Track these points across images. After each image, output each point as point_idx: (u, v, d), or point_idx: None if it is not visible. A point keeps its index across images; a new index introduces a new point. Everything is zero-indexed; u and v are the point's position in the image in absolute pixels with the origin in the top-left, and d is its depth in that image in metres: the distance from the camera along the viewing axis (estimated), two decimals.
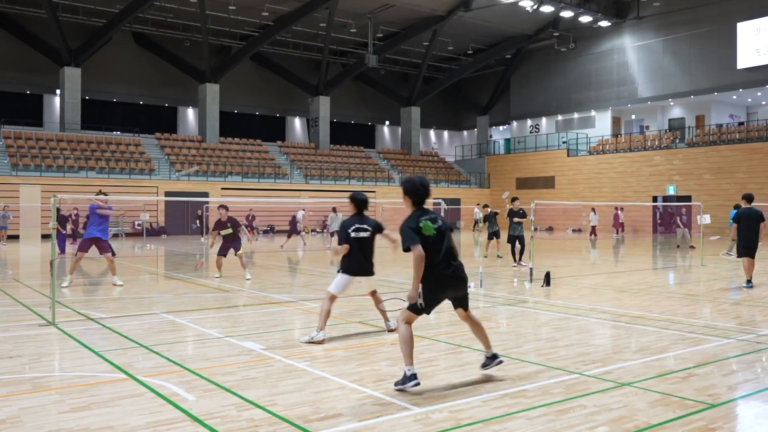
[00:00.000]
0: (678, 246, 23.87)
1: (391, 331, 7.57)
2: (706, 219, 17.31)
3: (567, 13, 40.53)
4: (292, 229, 25.79)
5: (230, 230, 13.46)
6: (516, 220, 16.26)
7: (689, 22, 39.21)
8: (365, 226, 7.25)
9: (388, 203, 40.50)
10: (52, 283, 8.39)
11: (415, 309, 5.30)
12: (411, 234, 5.19)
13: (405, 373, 5.19)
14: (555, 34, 44.62)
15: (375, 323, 8.33)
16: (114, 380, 5.55)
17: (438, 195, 43.53)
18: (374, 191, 41.79)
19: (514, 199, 16.64)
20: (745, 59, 36.64)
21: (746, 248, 11.92)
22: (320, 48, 43.52)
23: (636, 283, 13.12)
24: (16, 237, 29.95)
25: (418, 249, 5.12)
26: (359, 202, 7.26)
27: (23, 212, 30.88)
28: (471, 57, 49.73)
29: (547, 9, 39.11)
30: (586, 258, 20.37)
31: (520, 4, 38.13)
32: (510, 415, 4.62)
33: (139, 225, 33.45)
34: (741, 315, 9.05)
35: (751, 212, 12.00)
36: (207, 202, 32.62)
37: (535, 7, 38.38)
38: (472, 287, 11.62)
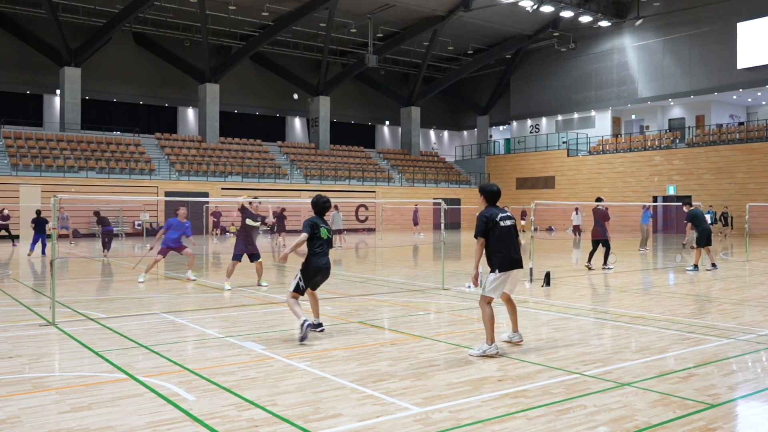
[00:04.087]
0: (640, 249, 22.33)
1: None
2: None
3: (567, 13, 40.51)
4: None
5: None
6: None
7: (689, 22, 39.20)
8: (509, 214, 6.67)
9: (388, 203, 40.58)
10: (52, 283, 8.39)
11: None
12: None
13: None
14: (555, 34, 44.59)
15: (375, 323, 8.32)
16: (114, 380, 5.55)
17: (438, 195, 43.42)
18: (374, 191, 41.77)
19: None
20: (745, 59, 36.63)
21: (708, 239, 14.93)
22: (320, 48, 43.50)
23: (636, 283, 13.11)
24: (15, 237, 29.86)
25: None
26: (490, 193, 6.66)
27: (23, 212, 30.84)
28: (471, 57, 49.70)
29: (547, 9, 39.07)
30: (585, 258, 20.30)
31: (520, 4, 38.11)
32: (510, 415, 4.62)
33: (139, 225, 33.47)
34: (741, 315, 9.05)
35: (700, 211, 15.28)
36: (207, 202, 32.61)
37: (535, 7, 38.36)
38: (471, 287, 11.66)
